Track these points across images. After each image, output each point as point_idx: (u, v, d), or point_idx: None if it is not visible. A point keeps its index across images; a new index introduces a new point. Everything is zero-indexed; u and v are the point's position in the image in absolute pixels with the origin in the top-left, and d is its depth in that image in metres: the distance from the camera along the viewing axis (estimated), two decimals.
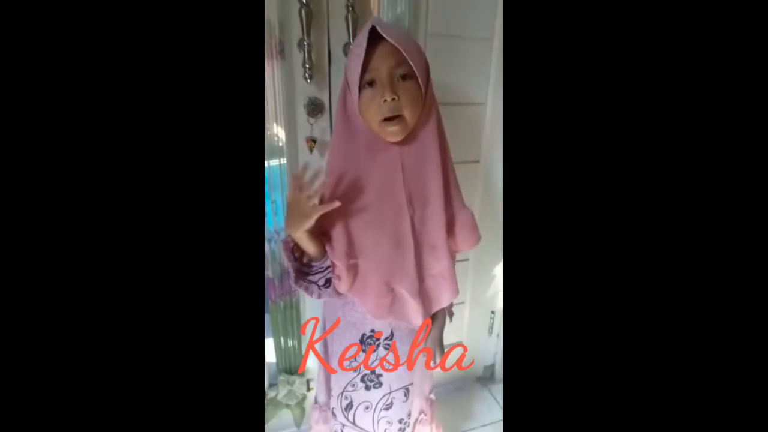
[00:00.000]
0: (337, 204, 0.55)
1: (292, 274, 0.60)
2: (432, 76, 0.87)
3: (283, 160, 0.84)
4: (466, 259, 1.09)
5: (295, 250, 0.61)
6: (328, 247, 0.59)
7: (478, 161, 1.01)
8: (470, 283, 1.13)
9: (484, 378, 1.27)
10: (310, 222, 0.54)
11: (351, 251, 0.59)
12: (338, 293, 0.62)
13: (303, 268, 0.61)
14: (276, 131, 0.82)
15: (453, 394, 1.21)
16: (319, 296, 0.62)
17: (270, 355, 1.01)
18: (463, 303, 1.15)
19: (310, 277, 0.61)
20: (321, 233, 0.60)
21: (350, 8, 0.74)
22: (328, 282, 0.61)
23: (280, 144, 0.83)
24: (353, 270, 0.60)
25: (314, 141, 0.83)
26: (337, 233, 0.59)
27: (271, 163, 0.83)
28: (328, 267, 0.60)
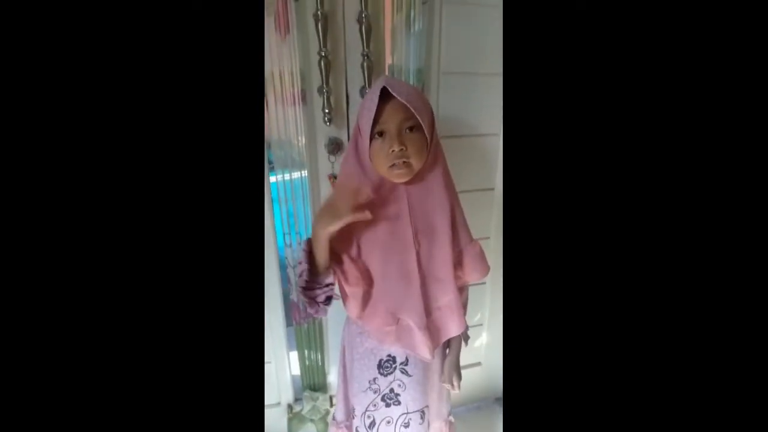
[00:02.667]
0: (368, 216, 0.57)
1: (304, 279, 0.61)
2: (447, 111, 0.92)
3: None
4: (483, 283, 1.11)
5: (310, 257, 0.62)
6: (339, 273, 0.63)
7: (492, 189, 1.04)
8: (488, 305, 1.15)
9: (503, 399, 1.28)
10: (339, 224, 0.56)
11: (365, 279, 0.64)
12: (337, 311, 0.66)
13: (309, 283, 0.63)
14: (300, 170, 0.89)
15: (472, 413, 1.23)
16: (317, 312, 0.64)
17: (295, 370, 1.08)
18: (481, 325, 1.17)
19: (312, 292, 0.63)
20: (332, 255, 0.63)
21: (366, 57, 0.80)
22: (328, 299, 0.64)
23: (304, 175, 0.90)
24: (366, 297, 0.65)
25: (335, 177, 0.89)
26: (349, 262, 0.63)
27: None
28: (329, 284, 0.63)
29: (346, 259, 0.64)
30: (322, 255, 0.61)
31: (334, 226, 0.57)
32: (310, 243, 0.62)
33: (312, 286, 0.63)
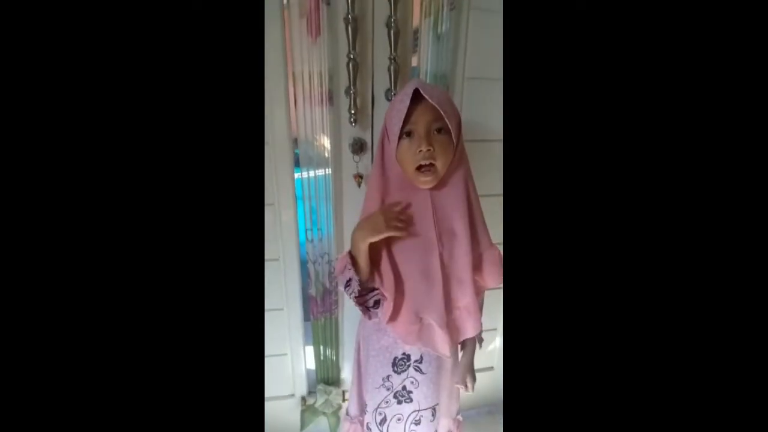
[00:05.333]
0: (404, 232, 0.63)
1: (356, 289, 0.65)
2: (470, 115, 0.93)
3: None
4: (499, 288, 1.11)
5: (356, 267, 0.65)
6: (377, 278, 0.66)
7: None
8: (502, 311, 1.15)
9: None
10: (380, 236, 0.61)
11: (396, 284, 0.66)
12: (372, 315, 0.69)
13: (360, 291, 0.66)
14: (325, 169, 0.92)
15: (483, 417, 1.23)
16: (369, 317, 0.69)
17: (311, 364, 1.11)
18: (495, 330, 1.17)
19: (362, 299, 0.68)
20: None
21: (393, 60, 0.82)
22: (376, 303, 0.68)
23: (328, 173, 0.93)
24: (399, 299, 0.67)
25: (361, 177, 0.91)
26: (384, 266, 0.65)
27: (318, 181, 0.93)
28: (375, 289, 0.67)
29: (382, 263, 0.66)
30: (363, 263, 0.65)
31: (375, 238, 0.62)
32: (351, 255, 0.65)
33: (362, 293, 0.67)
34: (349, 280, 0.65)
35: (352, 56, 0.80)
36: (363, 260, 0.64)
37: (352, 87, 0.82)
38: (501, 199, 1.02)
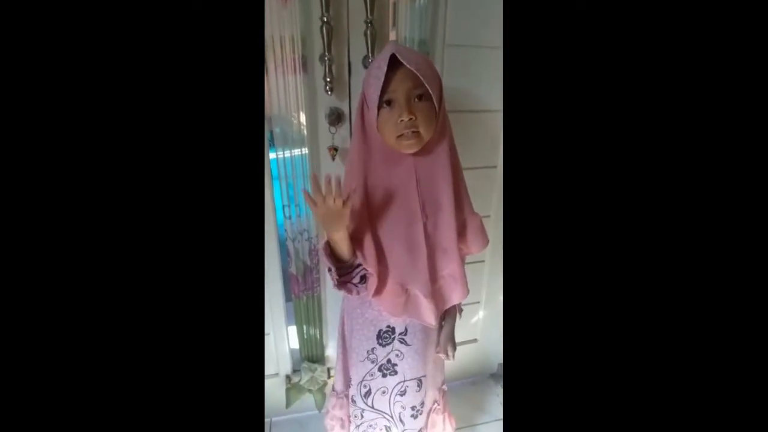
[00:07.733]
0: (356, 202, 0.61)
1: (336, 278, 0.64)
2: (451, 85, 0.89)
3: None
4: (482, 261, 1.12)
5: (332, 257, 0.65)
6: (359, 254, 0.64)
7: (495, 166, 1.03)
8: (485, 283, 1.16)
9: (497, 375, 1.31)
10: (345, 220, 0.59)
11: (380, 257, 0.65)
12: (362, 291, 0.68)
13: (340, 274, 0.66)
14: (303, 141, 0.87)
15: (467, 388, 1.26)
16: (358, 293, 0.68)
17: (294, 343, 1.10)
18: (478, 303, 1.18)
19: (346, 277, 0.66)
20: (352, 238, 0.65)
21: (369, 24, 0.78)
22: (363, 278, 0.67)
23: (305, 152, 0.89)
24: (384, 273, 0.66)
25: (336, 149, 0.88)
26: (367, 241, 0.64)
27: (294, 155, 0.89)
28: (358, 265, 0.65)
29: (365, 240, 0.64)
30: (345, 248, 0.63)
31: (343, 224, 0.60)
32: (328, 245, 0.64)
33: (346, 272, 0.66)
34: (329, 268, 0.64)
35: (325, 19, 0.75)
36: (344, 246, 0.63)
37: (326, 53, 0.78)
38: (480, 172, 1.01)
